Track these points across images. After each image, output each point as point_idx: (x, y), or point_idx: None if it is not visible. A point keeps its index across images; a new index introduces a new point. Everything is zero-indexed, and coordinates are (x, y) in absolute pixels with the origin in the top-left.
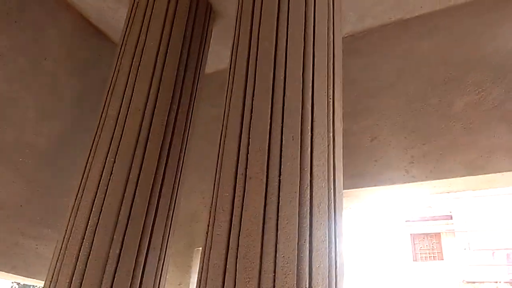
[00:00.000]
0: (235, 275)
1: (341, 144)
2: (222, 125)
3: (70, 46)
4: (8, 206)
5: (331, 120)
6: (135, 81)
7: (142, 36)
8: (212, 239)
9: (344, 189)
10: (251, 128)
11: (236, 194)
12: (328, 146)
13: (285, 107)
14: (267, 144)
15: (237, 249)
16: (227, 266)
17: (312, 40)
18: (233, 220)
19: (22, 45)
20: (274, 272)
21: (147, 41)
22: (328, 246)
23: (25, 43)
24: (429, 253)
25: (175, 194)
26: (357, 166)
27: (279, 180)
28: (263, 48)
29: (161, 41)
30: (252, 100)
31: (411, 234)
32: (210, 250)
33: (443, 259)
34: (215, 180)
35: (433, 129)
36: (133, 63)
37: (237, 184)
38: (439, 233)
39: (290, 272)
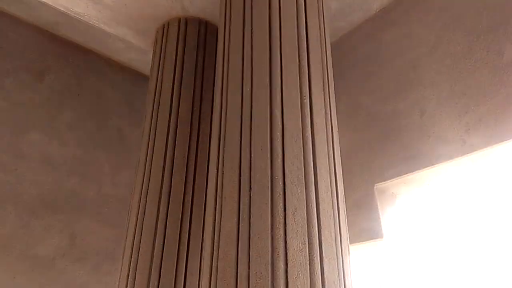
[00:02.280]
0: None
1: (326, 139)
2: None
3: (129, 99)
4: (102, 251)
5: (308, 119)
6: (156, 123)
7: (159, 80)
8: (205, 266)
9: (399, 175)
10: (225, 149)
11: (216, 217)
12: (304, 147)
13: (252, 119)
14: (238, 161)
15: (217, 272)
16: None
17: (278, 43)
18: (214, 244)
19: (87, 112)
20: None
21: (163, 83)
22: (309, 253)
23: (89, 110)
24: None
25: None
26: (410, 147)
27: (250, 195)
28: (233, 63)
29: (174, 79)
30: (226, 119)
31: None
32: (202, 277)
33: None
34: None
35: (486, 85)
36: (153, 106)
37: (216, 207)
38: None
39: None
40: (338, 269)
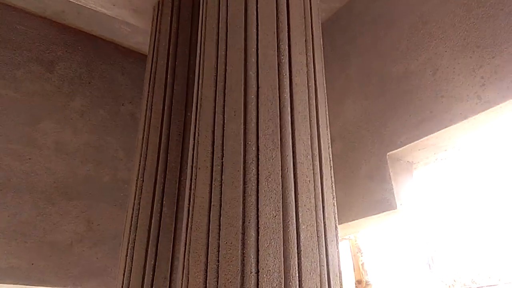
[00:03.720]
0: (188, 271)
1: (307, 99)
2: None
3: (140, 84)
4: (119, 235)
5: (287, 79)
6: (152, 101)
7: (154, 57)
8: (182, 238)
9: (411, 141)
10: (200, 117)
11: (191, 188)
12: (280, 109)
13: (226, 83)
14: (211, 129)
15: (190, 244)
16: (184, 263)
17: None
18: (189, 216)
19: (99, 99)
20: (218, 261)
21: (158, 61)
22: (283, 219)
23: (101, 97)
24: None
25: None
26: (423, 110)
27: (222, 162)
28: (209, 26)
29: (168, 55)
30: (202, 86)
31: None
32: (181, 250)
33: None
34: None
35: (501, 34)
36: (149, 85)
37: (192, 178)
38: None
39: (234, 258)
40: (318, 236)
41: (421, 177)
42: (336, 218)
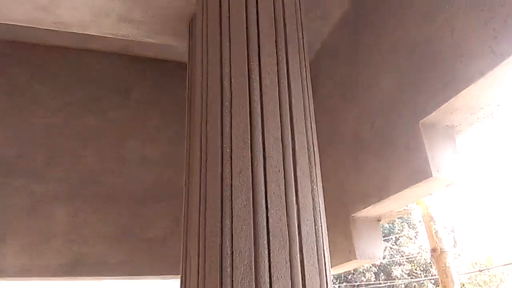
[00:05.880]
0: (190, 255)
1: (277, 98)
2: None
3: None
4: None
5: (257, 83)
6: (190, 114)
7: (189, 74)
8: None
9: (439, 106)
10: (191, 129)
11: (189, 190)
12: (251, 112)
13: (208, 96)
14: (199, 138)
15: (187, 234)
16: (183, 247)
17: (227, 15)
18: (185, 211)
19: (171, 114)
20: (205, 246)
21: (195, 76)
22: (254, 207)
23: (172, 111)
24: None
25: None
26: (447, 72)
27: (206, 165)
28: (212, 52)
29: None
30: (194, 100)
31: None
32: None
33: None
34: None
35: None
36: (188, 101)
37: (188, 181)
38: None
39: (214, 244)
40: (288, 217)
41: (469, 140)
42: (318, 199)
